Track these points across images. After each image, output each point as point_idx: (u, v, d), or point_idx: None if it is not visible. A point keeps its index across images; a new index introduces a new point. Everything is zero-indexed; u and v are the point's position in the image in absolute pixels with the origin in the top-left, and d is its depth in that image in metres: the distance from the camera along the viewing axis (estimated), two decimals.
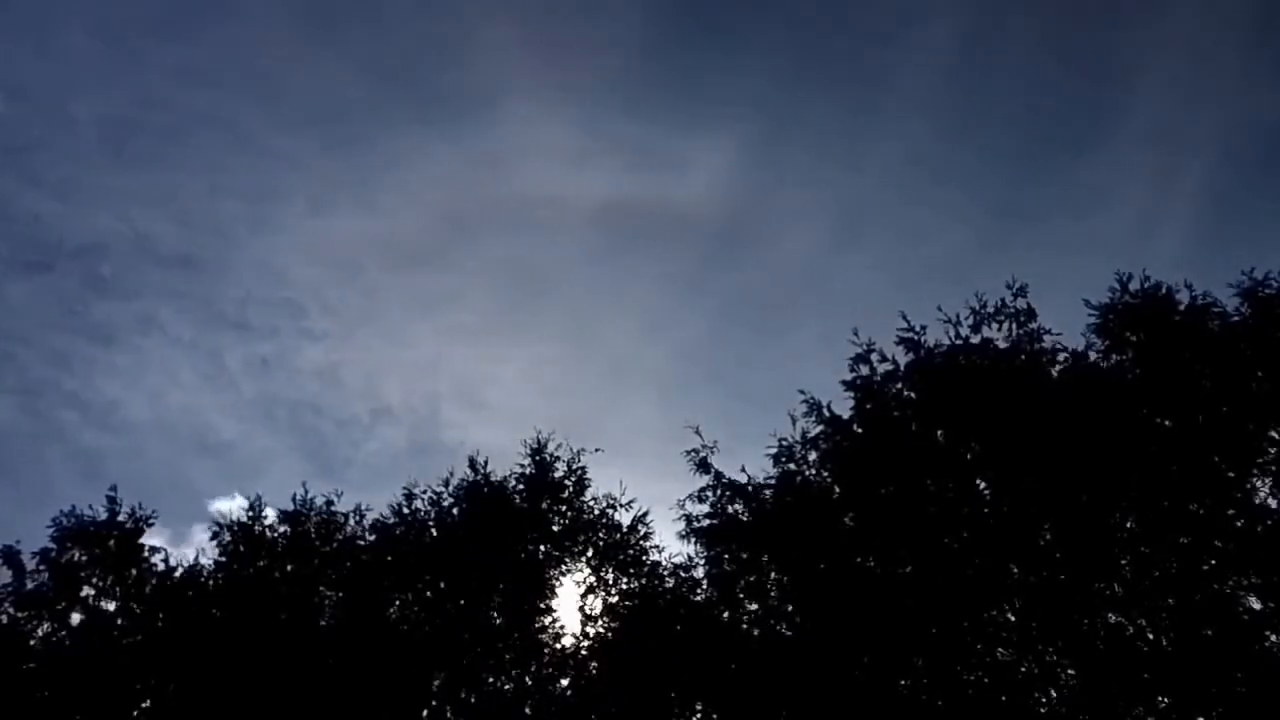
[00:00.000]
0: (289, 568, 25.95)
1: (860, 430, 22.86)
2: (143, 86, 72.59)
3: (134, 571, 26.01)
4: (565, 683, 24.48)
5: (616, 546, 26.00)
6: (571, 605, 25.48)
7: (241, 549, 26.07)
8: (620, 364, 75.08)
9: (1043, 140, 74.21)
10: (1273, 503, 20.13)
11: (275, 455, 65.25)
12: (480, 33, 72.19)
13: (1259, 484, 20.29)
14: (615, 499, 26.61)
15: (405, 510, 26.43)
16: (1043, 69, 75.21)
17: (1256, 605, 19.34)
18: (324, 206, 74.22)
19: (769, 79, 75.76)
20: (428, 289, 79.28)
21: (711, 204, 70.92)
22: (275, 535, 26.44)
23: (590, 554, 26.12)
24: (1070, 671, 19.99)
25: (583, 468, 26.99)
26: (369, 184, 76.27)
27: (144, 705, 24.16)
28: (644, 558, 25.71)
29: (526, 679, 24.55)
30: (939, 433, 22.31)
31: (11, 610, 25.07)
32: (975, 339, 22.68)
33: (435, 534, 26.10)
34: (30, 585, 25.37)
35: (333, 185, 76.06)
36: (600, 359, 76.30)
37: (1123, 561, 20.37)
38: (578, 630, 24.89)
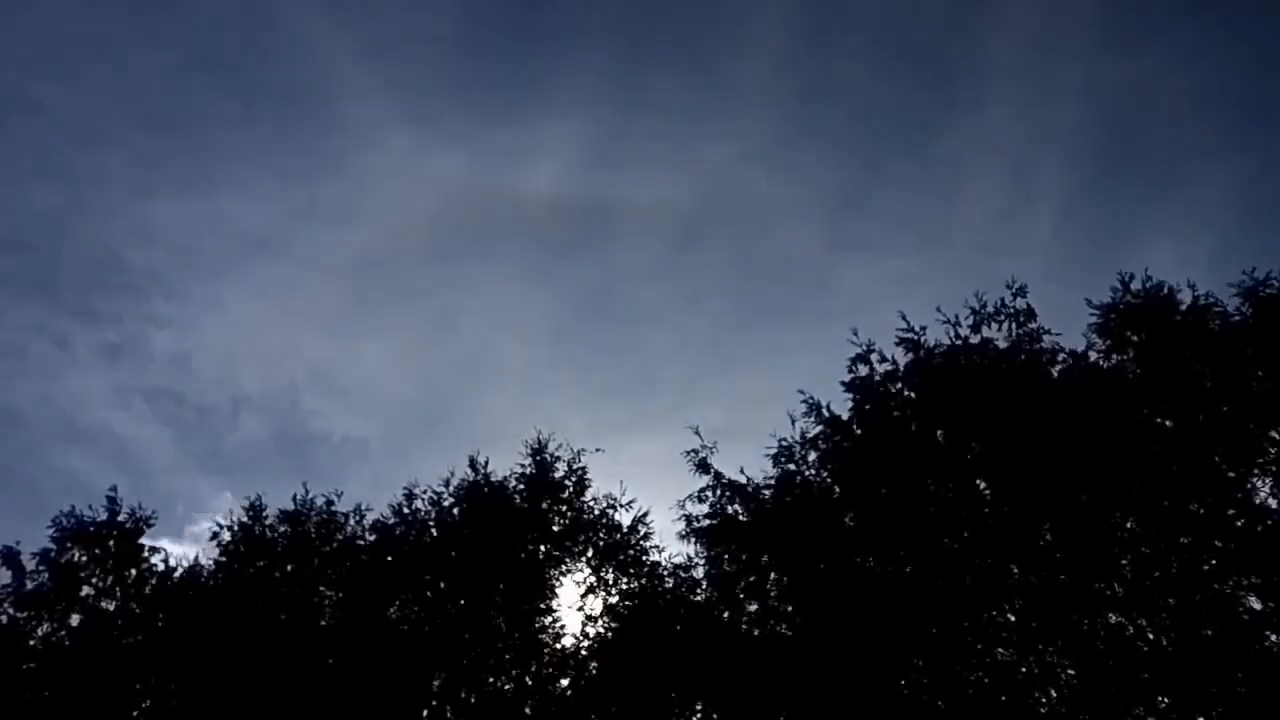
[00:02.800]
0: (289, 568, 25.93)
1: (860, 430, 22.86)
2: None
3: (134, 571, 26.01)
4: (565, 683, 24.46)
5: (616, 547, 25.99)
6: (571, 605, 25.53)
7: (241, 549, 26.06)
8: (477, 354, 75.68)
9: (892, 125, 74.91)
10: (1273, 503, 20.13)
11: (142, 445, 64.80)
12: (302, 30, 71.77)
13: (1259, 484, 20.29)
14: (615, 499, 26.66)
15: (405, 510, 26.44)
16: (887, 49, 75.39)
17: (1256, 605, 19.34)
18: (153, 192, 73.64)
19: (606, 71, 75.95)
20: (271, 277, 78.39)
21: (558, 195, 71.35)
22: (275, 535, 26.43)
23: (590, 554, 26.12)
24: (1070, 671, 19.98)
25: (583, 468, 27.03)
26: (200, 172, 75.99)
27: (144, 705, 24.14)
28: (644, 558, 25.71)
29: (526, 679, 24.54)
30: (939, 433, 22.31)
31: (11, 610, 25.05)
32: (975, 339, 22.71)
33: (435, 534, 26.10)
34: (30, 585, 25.36)
35: (161, 172, 75.55)
36: (456, 349, 76.52)
37: (1123, 561, 20.36)
38: (578, 630, 24.92)
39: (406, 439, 71.43)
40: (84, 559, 25.84)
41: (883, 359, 23.18)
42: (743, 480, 23.67)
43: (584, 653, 24.43)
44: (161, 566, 26.30)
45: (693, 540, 23.73)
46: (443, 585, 25.42)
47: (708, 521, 23.51)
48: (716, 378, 72.99)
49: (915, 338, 22.94)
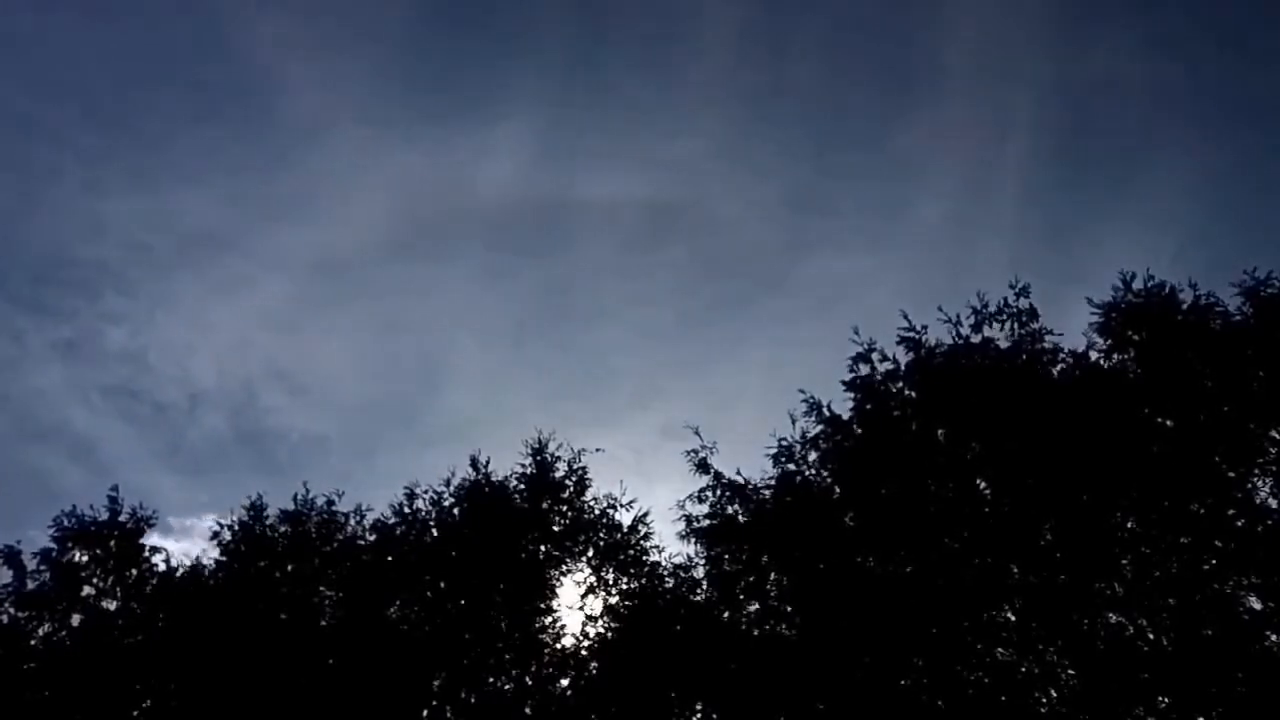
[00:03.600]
0: (289, 568, 25.96)
1: (860, 430, 22.85)
2: None
3: (135, 571, 26.06)
4: (565, 683, 24.47)
5: (617, 546, 26.00)
6: (572, 605, 25.54)
7: (242, 549, 26.09)
8: (435, 352, 75.66)
9: (850, 121, 74.60)
10: (1273, 503, 20.09)
11: (102, 442, 64.43)
12: (253, 28, 71.74)
13: (1259, 484, 20.25)
14: (616, 499, 26.66)
15: (405, 510, 26.46)
16: (844, 45, 75.11)
17: (1256, 605, 19.32)
18: (104, 188, 72.91)
19: (561, 68, 75.92)
20: (224, 273, 78.14)
21: (514, 193, 71.47)
22: (276, 535, 26.46)
23: (590, 554, 26.13)
24: (1070, 671, 19.97)
25: (583, 468, 27.03)
26: (152, 168, 75.44)
27: (144, 705, 24.17)
28: (644, 558, 25.71)
29: (526, 679, 24.55)
30: (939, 432, 22.29)
31: (12, 610, 25.09)
32: (976, 338, 22.68)
33: (435, 534, 26.11)
34: (31, 585, 25.39)
35: (112, 169, 75.00)
36: (414, 347, 76.46)
37: (1123, 561, 20.34)
38: (578, 630, 24.94)
39: (367, 436, 71.65)
40: (85, 559, 25.90)
41: (884, 358, 23.20)
42: (740, 480, 23.69)
43: (584, 653, 24.43)
44: (162, 566, 26.39)
45: (693, 540, 23.75)
46: (443, 585, 25.43)
47: (708, 521, 23.52)
48: (675, 375, 73.35)
49: (916, 337, 22.93)
